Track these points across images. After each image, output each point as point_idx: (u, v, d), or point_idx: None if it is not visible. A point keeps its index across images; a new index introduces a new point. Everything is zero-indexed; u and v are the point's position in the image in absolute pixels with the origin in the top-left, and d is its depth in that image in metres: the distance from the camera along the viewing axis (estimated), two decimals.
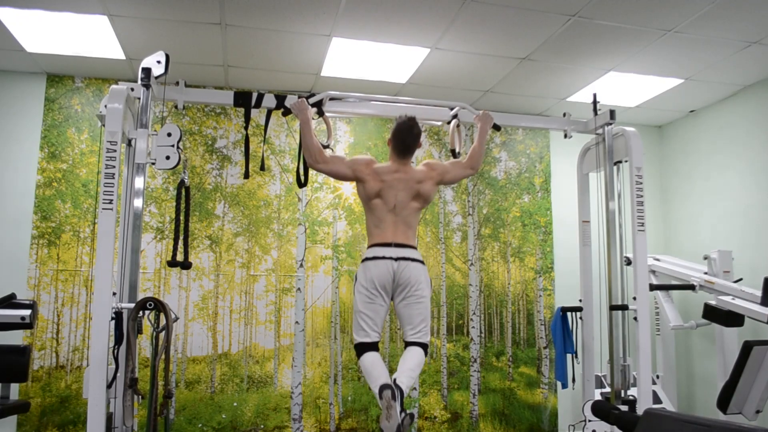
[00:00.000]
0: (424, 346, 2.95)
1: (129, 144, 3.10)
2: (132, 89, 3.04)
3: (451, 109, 3.66)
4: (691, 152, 5.47)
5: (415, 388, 5.00)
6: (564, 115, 3.92)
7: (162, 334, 2.77)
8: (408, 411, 2.69)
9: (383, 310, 2.96)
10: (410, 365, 2.86)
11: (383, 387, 2.63)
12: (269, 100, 3.40)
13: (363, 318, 2.94)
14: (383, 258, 2.93)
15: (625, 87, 4.85)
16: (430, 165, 3.22)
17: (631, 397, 3.47)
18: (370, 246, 3.02)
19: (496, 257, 5.35)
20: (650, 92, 4.97)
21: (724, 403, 3.80)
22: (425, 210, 5.18)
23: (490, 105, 5.14)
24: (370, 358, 2.88)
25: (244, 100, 3.38)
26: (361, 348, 2.93)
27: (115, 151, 2.78)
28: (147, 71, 3.06)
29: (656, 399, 4.61)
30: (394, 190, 3.03)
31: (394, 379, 2.73)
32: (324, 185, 5.03)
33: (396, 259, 2.93)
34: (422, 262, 3.01)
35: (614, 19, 3.75)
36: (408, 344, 2.96)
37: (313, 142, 3.07)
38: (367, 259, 2.98)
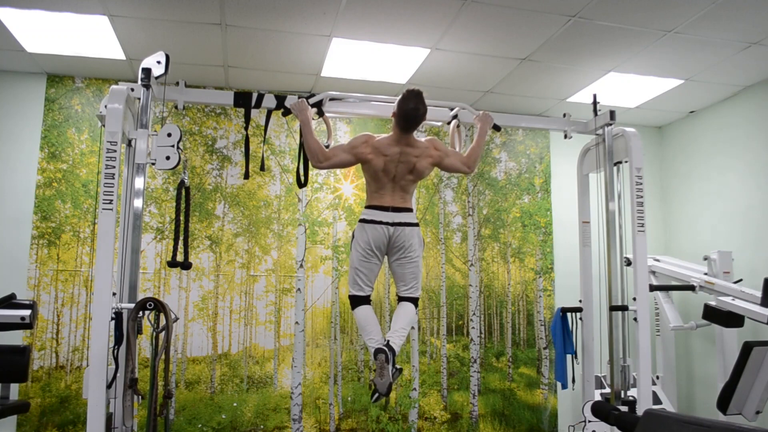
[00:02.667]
0: (415, 301, 3.21)
1: (129, 144, 3.10)
2: (132, 89, 3.04)
3: (451, 109, 3.66)
4: (691, 153, 5.47)
5: (414, 389, 5.00)
6: (564, 115, 3.91)
7: (162, 335, 2.77)
8: (397, 366, 3.02)
9: (377, 268, 3.20)
10: (402, 323, 3.11)
11: (377, 351, 2.92)
12: (269, 101, 3.40)
13: (358, 273, 3.17)
14: (380, 223, 3.10)
15: (625, 88, 4.85)
16: (434, 143, 3.25)
17: (631, 398, 3.47)
18: (369, 206, 3.17)
19: (496, 258, 5.35)
20: (650, 93, 4.97)
21: (724, 403, 3.80)
22: (425, 209, 5.19)
23: (490, 105, 5.14)
24: (363, 312, 3.15)
25: (244, 100, 3.38)
26: (356, 300, 3.18)
27: (115, 151, 2.78)
28: (147, 71, 3.06)
29: (656, 400, 4.61)
30: (394, 163, 3.12)
31: (387, 341, 2.99)
32: (324, 186, 5.03)
33: (392, 225, 3.10)
34: (416, 225, 3.19)
35: (614, 20, 3.75)
36: (401, 299, 3.21)
37: (314, 142, 3.10)
38: (364, 220, 3.14)
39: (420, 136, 3.31)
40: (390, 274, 3.47)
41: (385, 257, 3.22)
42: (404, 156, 3.11)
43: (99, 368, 2.64)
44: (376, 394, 2.93)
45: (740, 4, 3.51)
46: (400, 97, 3.11)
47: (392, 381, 2.92)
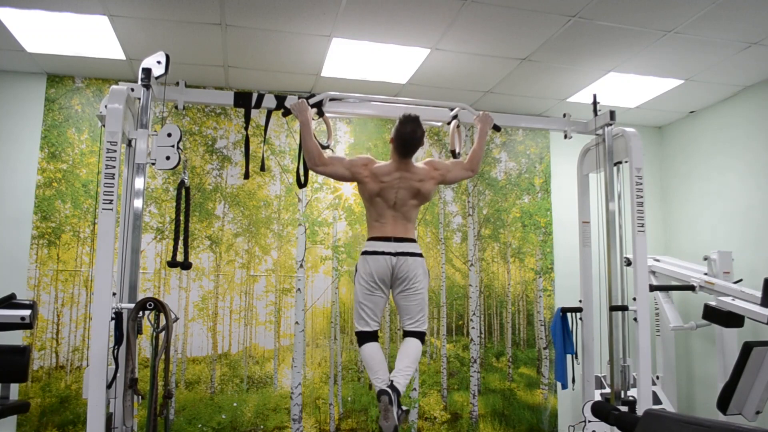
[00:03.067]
0: (421, 336, 3.10)
1: (129, 144, 3.10)
2: (132, 89, 3.04)
3: (451, 109, 3.66)
4: (691, 153, 5.47)
5: (414, 389, 5.00)
6: (564, 115, 3.91)
7: (162, 335, 2.77)
8: (403, 408, 2.89)
9: (382, 302, 3.09)
10: (407, 362, 2.99)
11: (381, 393, 2.80)
12: (269, 101, 3.40)
13: (363, 308, 3.07)
14: (382, 253, 3.02)
15: (625, 88, 4.85)
16: (432, 164, 3.23)
17: (630, 398, 3.47)
18: (370, 239, 3.10)
19: (496, 258, 5.35)
20: (650, 93, 4.97)
21: (724, 403, 3.80)
22: (425, 209, 5.19)
23: (490, 105, 5.14)
24: (370, 350, 3.03)
25: (244, 100, 3.38)
26: (362, 337, 3.07)
27: (115, 151, 2.78)
28: (147, 71, 3.06)
29: (656, 400, 4.61)
30: (394, 190, 3.07)
31: (392, 382, 2.88)
32: (324, 186, 5.03)
33: (395, 255, 3.02)
34: (420, 255, 3.10)
35: (614, 20, 3.75)
36: (406, 334, 3.10)
37: (312, 145, 3.08)
38: (366, 252, 3.06)
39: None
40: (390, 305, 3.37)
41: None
42: (404, 181, 3.07)
43: (99, 368, 2.64)
44: None
45: (740, 4, 3.51)
46: (396, 123, 3.10)
47: (398, 424, 2.79)
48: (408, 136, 3.06)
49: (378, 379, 2.95)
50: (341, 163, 3.14)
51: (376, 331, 3.08)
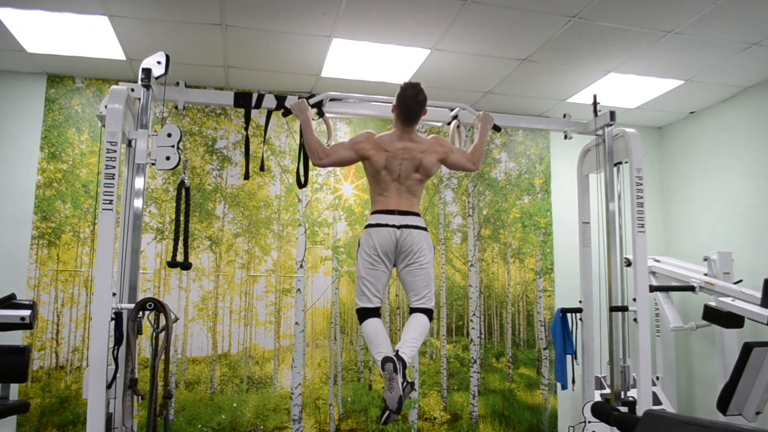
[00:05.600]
0: (428, 312, 3.01)
1: (129, 144, 3.10)
2: (132, 90, 3.03)
3: (452, 110, 3.66)
4: (691, 153, 5.47)
5: (414, 389, 5.00)
6: (564, 116, 3.91)
7: (162, 335, 2.77)
8: (409, 380, 2.75)
9: (385, 277, 3.01)
10: (413, 334, 2.89)
11: (385, 359, 2.67)
12: (269, 101, 3.40)
13: (365, 283, 2.98)
14: (386, 225, 2.96)
15: (626, 88, 4.85)
16: (438, 140, 3.20)
17: (630, 399, 3.47)
18: (374, 212, 3.04)
19: (496, 258, 5.35)
20: (650, 93, 4.97)
21: (724, 404, 3.80)
22: (425, 210, 5.18)
23: (490, 106, 5.14)
24: (372, 326, 2.93)
25: (244, 100, 3.38)
26: (363, 313, 2.99)
27: (115, 151, 2.78)
28: (147, 72, 3.06)
29: (656, 400, 4.61)
30: (398, 160, 3.02)
31: (397, 351, 2.77)
32: (324, 186, 5.03)
33: (399, 227, 2.95)
34: (425, 229, 3.04)
35: (614, 21, 3.75)
36: (413, 310, 3.01)
37: (314, 140, 3.07)
38: (370, 225, 3.00)
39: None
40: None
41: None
42: (408, 152, 3.02)
43: (99, 368, 2.64)
44: (387, 413, 2.69)
45: (740, 4, 3.51)
46: (398, 90, 3.07)
47: (403, 395, 2.63)
48: (411, 99, 3.01)
49: (381, 353, 2.80)
50: (343, 147, 3.10)
51: (378, 308, 2.99)
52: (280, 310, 4.83)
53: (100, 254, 2.71)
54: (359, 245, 3.02)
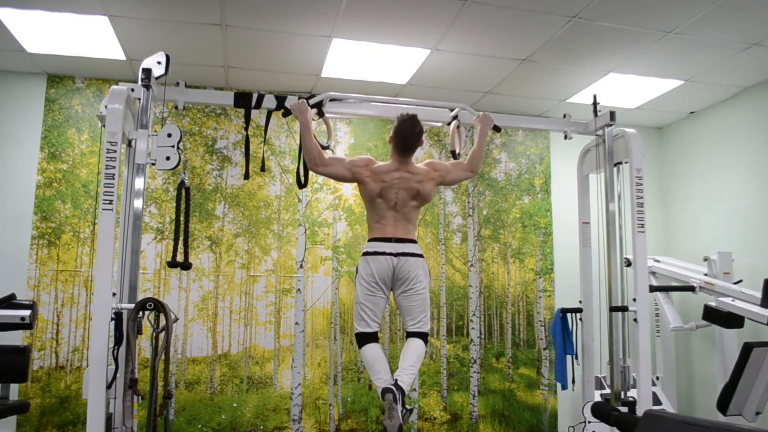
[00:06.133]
0: (424, 336, 3.08)
1: (129, 144, 3.10)
2: (132, 90, 3.03)
3: (452, 110, 3.66)
4: (691, 154, 5.48)
5: (414, 389, 5.00)
6: (564, 116, 3.91)
7: (162, 335, 2.77)
8: (408, 407, 2.86)
9: (383, 302, 3.09)
10: (411, 361, 2.98)
11: (385, 390, 2.77)
12: (269, 101, 3.40)
13: (364, 309, 3.06)
14: (383, 254, 3.02)
15: (626, 88, 4.85)
16: (432, 165, 3.24)
17: (630, 399, 3.47)
18: (371, 240, 3.10)
19: (496, 258, 5.35)
20: (650, 94, 4.98)
21: (724, 404, 3.80)
22: (425, 210, 5.19)
23: (490, 106, 5.14)
24: (371, 351, 3.01)
25: (244, 100, 3.38)
26: (362, 338, 3.06)
27: (115, 151, 2.78)
28: (147, 72, 3.06)
29: (656, 400, 4.61)
30: (394, 190, 3.08)
31: (396, 380, 2.87)
32: (324, 186, 5.03)
33: (396, 255, 3.02)
34: (421, 256, 3.10)
35: (614, 21, 3.75)
36: (409, 334, 3.09)
37: (312, 145, 3.08)
38: (367, 253, 3.06)
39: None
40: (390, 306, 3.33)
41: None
42: (404, 181, 3.07)
43: (99, 368, 2.64)
44: None
45: (740, 5, 3.51)
46: (395, 122, 3.13)
47: (402, 423, 2.76)
48: (407, 132, 3.08)
49: (380, 379, 2.92)
50: (341, 164, 3.14)
51: (376, 332, 3.07)
52: (280, 310, 4.83)
53: (100, 254, 2.71)
54: (357, 272, 3.10)
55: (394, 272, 3.03)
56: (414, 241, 3.12)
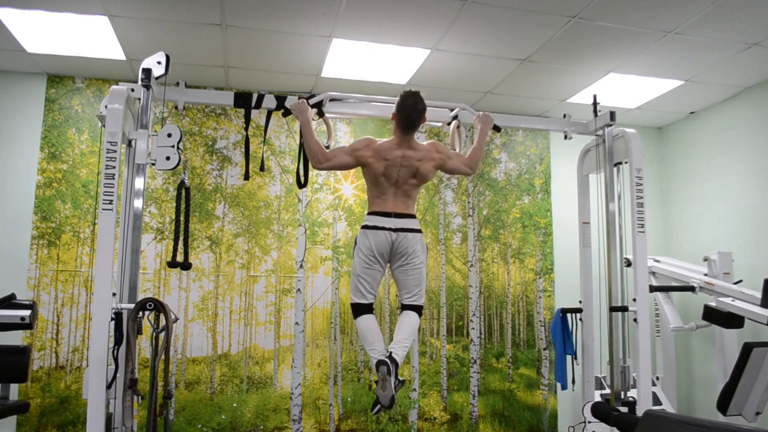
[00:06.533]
0: (418, 309, 3.16)
1: (129, 144, 3.10)
2: (132, 90, 3.03)
3: (452, 110, 3.66)
4: (692, 154, 5.48)
5: (414, 389, 5.00)
6: (564, 116, 3.91)
7: (162, 335, 2.77)
8: (400, 379, 2.95)
9: (380, 275, 3.14)
10: (405, 334, 3.05)
11: (379, 363, 2.85)
12: (269, 101, 3.40)
13: (360, 281, 3.11)
14: (383, 228, 3.06)
15: (626, 88, 4.85)
16: (435, 146, 3.24)
17: (630, 399, 3.47)
18: (371, 213, 3.13)
19: (496, 258, 5.35)
20: (650, 94, 4.98)
21: (724, 404, 3.80)
22: (425, 210, 5.19)
23: (490, 106, 5.14)
24: (365, 322, 3.08)
25: (244, 100, 3.38)
26: (357, 308, 3.12)
27: (115, 151, 2.78)
28: (147, 72, 3.06)
29: (656, 400, 4.61)
30: (396, 167, 3.09)
31: (390, 352, 2.93)
32: (324, 186, 5.03)
33: (395, 230, 3.06)
34: (419, 231, 3.15)
35: (614, 21, 3.75)
36: (404, 307, 3.15)
37: (314, 143, 3.10)
38: (366, 226, 3.10)
39: (420, 139, 3.30)
40: (390, 277, 3.38)
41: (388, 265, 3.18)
42: (406, 159, 3.08)
43: (99, 368, 2.64)
44: (378, 406, 2.90)
45: (740, 5, 3.51)
46: (398, 98, 3.12)
47: (395, 393, 2.85)
48: (410, 109, 3.07)
49: (375, 350, 2.99)
50: (343, 152, 3.15)
51: (371, 304, 3.13)
52: (280, 310, 4.83)
53: (100, 254, 2.71)
54: (356, 243, 3.13)
55: (392, 247, 3.07)
56: (413, 216, 3.15)
